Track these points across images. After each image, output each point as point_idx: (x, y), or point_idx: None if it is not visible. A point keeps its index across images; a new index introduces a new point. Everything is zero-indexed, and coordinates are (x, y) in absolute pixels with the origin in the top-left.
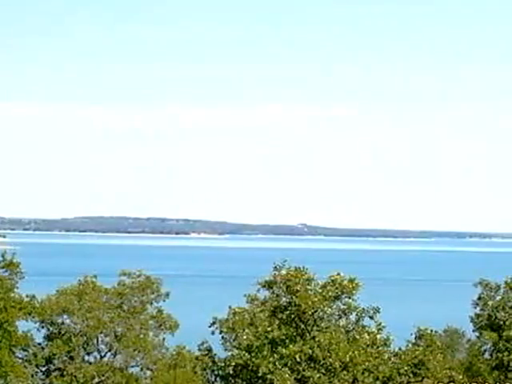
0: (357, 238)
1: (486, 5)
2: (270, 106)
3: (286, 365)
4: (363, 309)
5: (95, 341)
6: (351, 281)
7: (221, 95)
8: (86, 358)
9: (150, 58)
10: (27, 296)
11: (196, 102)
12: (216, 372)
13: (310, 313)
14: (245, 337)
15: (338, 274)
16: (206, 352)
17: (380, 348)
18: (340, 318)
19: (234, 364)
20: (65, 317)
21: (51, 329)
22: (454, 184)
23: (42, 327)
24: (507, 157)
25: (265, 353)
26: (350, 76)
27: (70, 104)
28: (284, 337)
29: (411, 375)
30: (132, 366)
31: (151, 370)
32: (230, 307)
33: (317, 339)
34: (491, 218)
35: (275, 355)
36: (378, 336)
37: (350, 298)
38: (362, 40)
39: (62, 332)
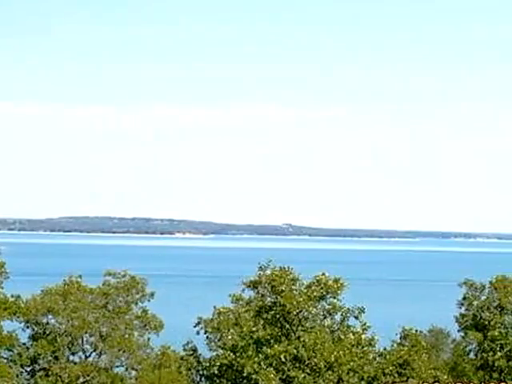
0: (342, 238)
1: (486, 5)
2: (257, 106)
3: (270, 365)
4: (348, 309)
5: (80, 341)
6: (336, 281)
7: (211, 95)
8: (71, 357)
9: (143, 57)
10: (12, 296)
11: (183, 101)
12: (201, 372)
13: (294, 313)
14: (230, 337)
15: (323, 274)
16: (191, 352)
17: (365, 348)
18: (325, 318)
19: (218, 364)
20: (50, 317)
21: (36, 329)
22: (439, 184)
23: (27, 327)
24: (494, 158)
25: (250, 353)
26: (347, 76)
27: (58, 104)
28: (269, 337)
29: (396, 375)
30: (117, 366)
31: (136, 370)
32: (214, 307)
33: (302, 339)
34: (476, 218)
35: (260, 355)
36: (363, 336)
37: (334, 298)
38: (361, 40)
39: (47, 332)
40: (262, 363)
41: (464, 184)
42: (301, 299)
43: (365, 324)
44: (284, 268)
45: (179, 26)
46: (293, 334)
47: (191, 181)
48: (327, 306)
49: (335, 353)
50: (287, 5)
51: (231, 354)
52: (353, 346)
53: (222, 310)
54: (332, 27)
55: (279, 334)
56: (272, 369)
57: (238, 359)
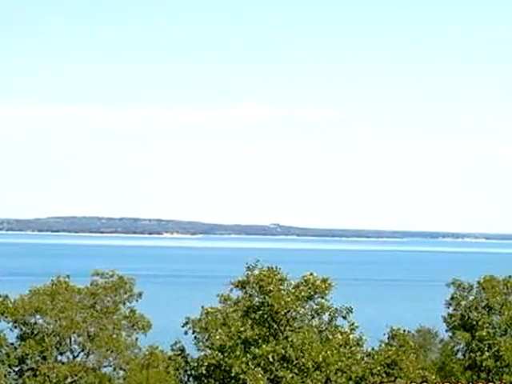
0: (330, 238)
1: (487, 5)
2: (244, 106)
3: (258, 365)
4: (336, 309)
5: (68, 341)
6: (324, 281)
7: (200, 95)
8: (59, 357)
9: (136, 58)
10: (0, 296)
11: (168, 101)
12: (189, 372)
13: (282, 313)
14: (218, 337)
15: (311, 274)
16: (179, 352)
17: (353, 348)
18: (313, 318)
19: (206, 364)
20: (38, 317)
21: (24, 329)
22: (427, 184)
23: (15, 327)
24: (483, 158)
25: (238, 353)
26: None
27: (46, 103)
28: (257, 337)
29: (384, 375)
30: (105, 366)
31: (124, 370)
32: (202, 307)
33: (290, 339)
34: (464, 218)
35: (248, 355)
36: (351, 336)
37: (322, 298)
38: (358, 40)
39: (35, 332)
40: (249, 363)
41: (452, 184)
42: (289, 299)
43: (353, 324)
44: (272, 268)
45: (174, 26)
46: (281, 334)
47: (179, 181)
48: (315, 306)
49: (323, 353)
50: (285, 5)
51: (219, 354)
52: (341, 346)
53: (209, 310)
54: (330, 27)
55: (267, 334)
56: (260, 369)
57: (226, 359)
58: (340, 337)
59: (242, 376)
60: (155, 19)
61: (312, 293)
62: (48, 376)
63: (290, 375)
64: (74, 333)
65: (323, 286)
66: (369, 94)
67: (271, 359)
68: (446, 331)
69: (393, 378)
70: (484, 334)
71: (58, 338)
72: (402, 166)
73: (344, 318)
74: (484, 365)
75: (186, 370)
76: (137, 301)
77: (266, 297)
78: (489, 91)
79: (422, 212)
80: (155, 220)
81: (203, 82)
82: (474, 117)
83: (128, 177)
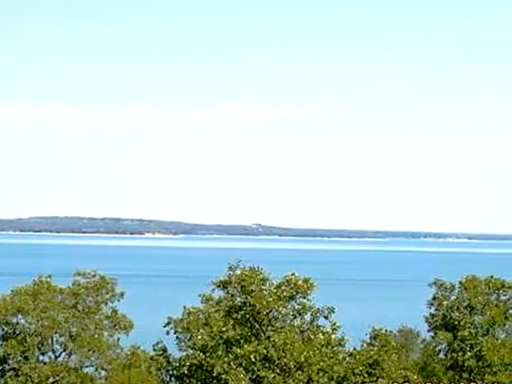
0: (311, 238)
1: (487, 5)
2: (226, 106)
3: (240, 365)
4: (318, 309)
5: (50, 341)
6: (306, 281)
7: (185, 95)
8: (41, 357)
9: (127, 57)
10: None
11: (150, 101)
12: (171, 372)
13: (264, 313)
14: (199, 337)
15: (293, 274)
16: (161, 352)
17: (335, 348)
18: (295, 317)
19: (188, 364)
20: (19, 317)
21: (6, 329)
22: (409, 184)
23: None
24: (465, 159)
25: (219, 353)
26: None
27: (28, 102)
28: (239, 337)
29: (366, 375)
30: (87, 366)
31: (106, 370)
32: (184, 307)
33: (271, 339)
34: (446, 218)
35: (230, 355)
36: (333, 336)
37: (304, 298)
38: (354, 40)
39: (17, 332)
40: (231, 363)
41: (434, 184)
42: (270, 299)
43: (334, 324)
44: (254, 268)
45: (174, 26)
46: (262, 334)
47: (161, 181)
48: (297, 306)
49: (305, 353)
50: (285, 5)
51: (201, 354)
52: (323, 345)
53: (191, 310)
54: (330, 27)
55: (249, 334)
56: (242, 369)
57: (208, 359)
58: (322, 337)
59: (223, 376)
60: (155, 19)
61: (294, 293)
62: (30, 376)
63: (272, 375)
64: (55, 333)
65: (305, 286)
66: (369, 94)
67: (253, 359)
68: (428, 331)
69: (375, 378)
70: (466, 334)
71: (39, 338)
72: (383, 166)
73: (326, 318)
74: (466, 365)
75: (167, 370)
76: (119, 301)
77: (248, 297)
78: (489, 91)
79: (403, 212)
80: (137, 220)
81: (203, 82)
82: (473, 117)
83: (110, 177)
